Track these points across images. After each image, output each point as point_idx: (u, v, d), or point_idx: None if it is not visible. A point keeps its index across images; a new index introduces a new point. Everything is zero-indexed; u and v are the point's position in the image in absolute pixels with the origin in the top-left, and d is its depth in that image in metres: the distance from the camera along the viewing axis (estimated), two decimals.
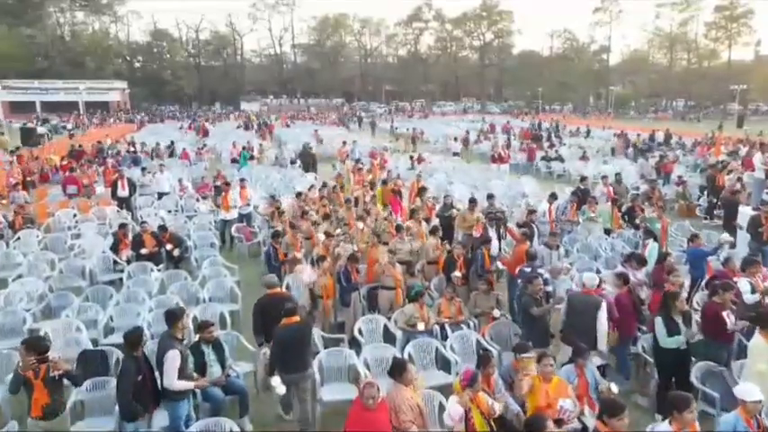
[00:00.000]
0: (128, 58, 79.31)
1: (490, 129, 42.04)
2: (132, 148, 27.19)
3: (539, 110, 71.73)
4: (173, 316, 6.30)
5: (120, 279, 10.45)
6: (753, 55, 77.03)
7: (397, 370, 5.55)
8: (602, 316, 6.99)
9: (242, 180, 14.72)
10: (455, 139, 29.66)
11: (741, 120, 45.55)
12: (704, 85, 73.28)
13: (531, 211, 11.13)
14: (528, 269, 8.12)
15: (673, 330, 6.48)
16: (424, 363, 7.41)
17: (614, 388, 6.10)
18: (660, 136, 33.23)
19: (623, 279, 7.51)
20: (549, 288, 7.90)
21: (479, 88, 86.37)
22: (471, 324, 8.28)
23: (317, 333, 7.69)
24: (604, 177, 15.45)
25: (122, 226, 11.82)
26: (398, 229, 10.30)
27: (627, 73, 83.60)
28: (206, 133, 37.66)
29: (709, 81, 72.29)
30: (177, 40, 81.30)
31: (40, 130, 42.61)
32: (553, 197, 12.62)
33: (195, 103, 76.91)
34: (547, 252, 9.20)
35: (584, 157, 26.01)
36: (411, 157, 24.78)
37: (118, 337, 8.11)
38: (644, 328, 7.71)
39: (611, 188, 14.98)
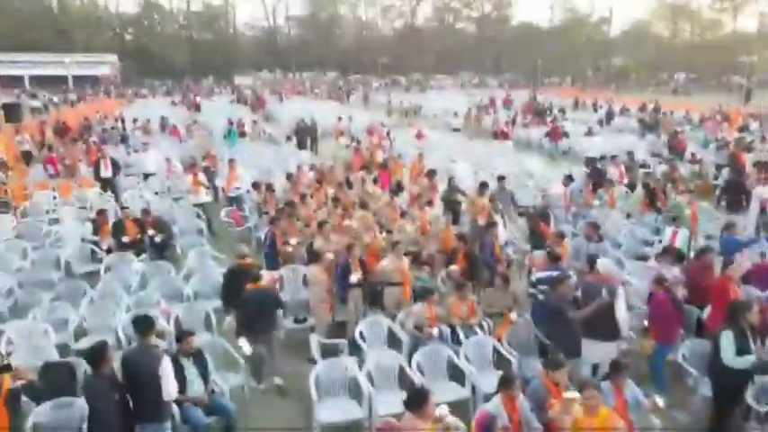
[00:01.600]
0: (117, 31, 77.10)
1: (490, 103, 40.82)
2: (121, 125, 26.08)
3: (537, 83, 70.31)
4: (143, 322, 5.42)
5: (100, 270, 9.55)
6: (757, 25, 75.45)
7: (417, 402, 4.65)
8: (621, 304, 6.41)
9: (231, 161, 13.71)
10: (455, 114, 28.52)
11: (749, 93, 44.14)
12: (706, 56, 71.81)
13: (545, 195, 10.19)
14: (548, 273, 7.20)
15: (743, 348, 5.54)
16: (435, 373, 6.57)
17: (660, 402, 5.28)
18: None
19: (659, 282, 6.63)
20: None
21: (477, 61, 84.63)
22: (486, 326, 7.43)
23: (313, 340, 6.83)
24: (614, 157, 14.45)
25: (101, 212, 10.89)
26: (402, 215, 9.34)
27: (628, 45, 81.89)
28: (197, 108, 36.38)
29: (712, 53, 70.83)
30: (168, 11, 79.10)
31: (35, 103, 41.39)
32: (569, 179, 11.66)
33: (187, 77, 75.09)
34: (584, 245, 8.27)
35: (589, 133, 25.04)
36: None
37: (92, 341, 7.30)
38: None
39: (623, 168, 14.05)
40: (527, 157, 19.89)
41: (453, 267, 8.38)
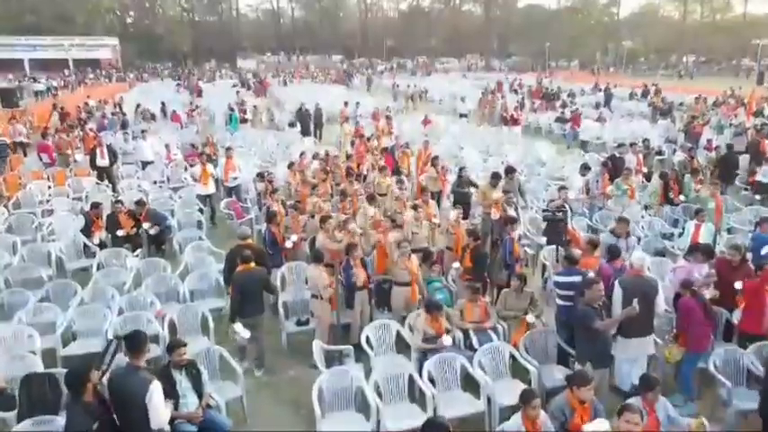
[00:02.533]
0: (118, 13, 76.08)
1: (498, 87, 39.97)
2: (121, 110, 25.45)
3: (545, 66, 69.20)
4: (136, 339, 4.94)
5: (98, 265, 9.08)
6: None
7: None
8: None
9: (228, 149, 13.11)
10: (462, 99, 27.81)
11: (761, 76, 43.26)
12: (717, 39, 70.46)
13: (562, 188, 9.61)
14: (569, 276, 6.64)
15: None
16: (447, 383, 6.09)
17: (708, 426, 4.81)
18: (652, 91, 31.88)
19: (686, 286, 6.11)
20: None
21: (483, 44, 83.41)
22: (501, 329, 6.94)
23: (317, 346, 6.35)
24: (633, 144, 13.81)
25: (95, 205, 10.37)
26: (415, 208, 8.79)
27: (637, 27, 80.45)
28: (199, 93, 35.72)
29: (723, 35, 69.50)
30: None
31: (38, 86, 40.88)
32: (585, 169, 11.07)
33: (190, 60, 74.23)
34: (613, 241, 7.73)
35: (600, 119, 24.34)
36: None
37: (81, 346, 6.91)
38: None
39: (640, 156, 13.43)
40: (537, 144, 19.19)
41: (456, 265, 7.95)
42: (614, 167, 11.99)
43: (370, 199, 9.55)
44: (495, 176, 10.00)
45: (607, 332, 5.67)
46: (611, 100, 31.90)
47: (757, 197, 13.16)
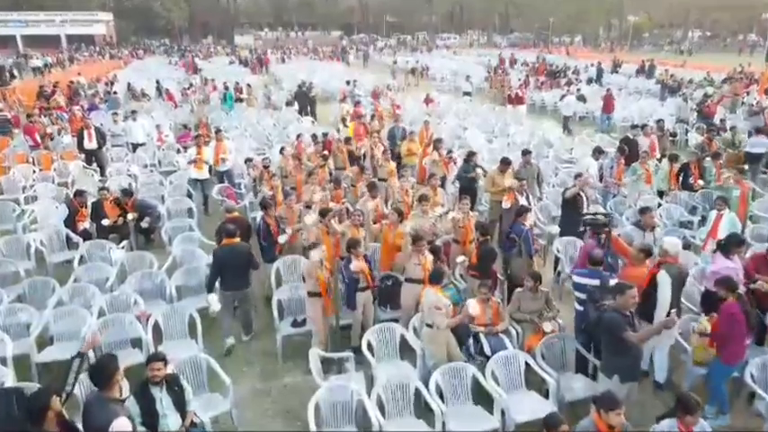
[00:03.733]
0: None
1: (500, 63, 38.98)
2: (114, 89, 24.67)
3: (548, 42, 67.91)
4: (103, 373, 4.35)
5: (80, 258, 8.49)
6: None
7: None
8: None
9: (218, 131, 12.36)
10: (467, 77, 26.95)
11: None
12: (724, 14, 69.09)
13: (578, 175, 8.96)
14: (590, 279, 6.04)
15: None
16: (457, 395, 5.54)
17: None
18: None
19: (727, 287, 5.50)
20: None
21: (485, 20, 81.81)
22: (514, 333, 6.38)
23: (313, 355, 5.79)
24: (645, 126, 13.09)
25: (79, 193, 9.75)
26: (422, 199, 8.08)
27: (642, 1, 78.79)
28: (195, 70, 34.77)
29: (730, 10, 68.11)
30: None
31: (36, 62, 40.00)
32: (599, 153, 10.39)
33: (186, 36, 72.87)
34: (638, 235, 7.09)
35: (608, 97, 23.50)
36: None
37: (57, 351, 6.35)
38: None
39: (654, 138, 12.73)
40: (544, 124, 18.47)
41: (461, 258, 7.40)
42: (629, 152, 11.32)
43: (371, 188, 8.82)
44: (505, 162, 9.34)
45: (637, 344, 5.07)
46: (603, 76, 31.33)
47: None
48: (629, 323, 5.05)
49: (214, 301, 6.70)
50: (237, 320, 7.26)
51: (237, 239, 7.03)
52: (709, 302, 6.46)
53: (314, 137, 13.20)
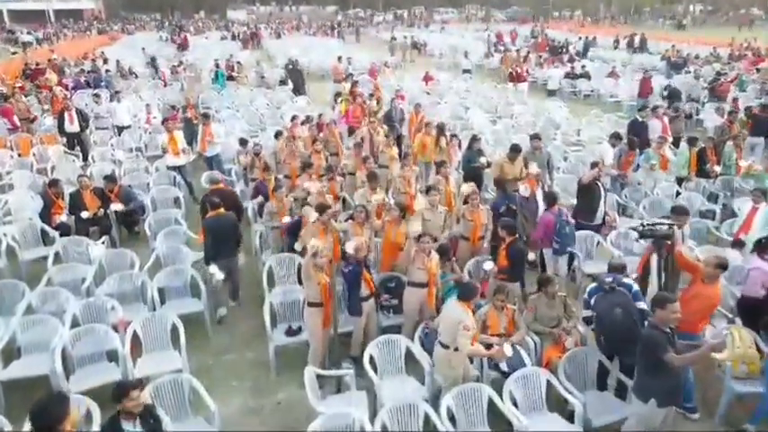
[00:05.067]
0: None
1: (498, 39, 37.91)
2: (106, 66, 23.66)
3: (547, 16, 66.58)
4: (46, 420, 3.62)
5: (55, 255, 7.81)
6: None
7: None
8: None
9: (205, 116, 11.52)
10: (465, 53, 26.02)
11: None
12: None
13: (595, 164, 8.25)
14: (611, 285, 5.33)
15: None
16: (472, 419, 4.93)
17: None
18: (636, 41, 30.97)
19: None
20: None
21: None
22: (532, 344, 5.76)
23: (308, 374, 5.16)
24: (656, 108, 12.34)
25: (53, 182, 9.03)
26: (429, 189, 7.36)
27: None
28: (185, 46, 33.63)
29: None
30: None
31: (26, 37, 38.91)
32: (616, 138, 9.64)
33: (177, 12, 71.13)
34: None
35: (612, 74, 22.77)
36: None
37: (25, 366, 5.73)
38: None
39: (665, 121, 12.00)
40: (550, 104, 17.69)
41: (489, 266, 6.59)
42: (636, 135, 10.59)
43: (371, 178, 8.06)
44: (515, 149, 8.63)
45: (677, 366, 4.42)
46: (589, 50, 30.60)
47: None
48: (670, 341, 4.43)
49: (216, 271, 6.75)
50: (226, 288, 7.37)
51: (222, 210, 7.11)
52: (747, 309, 5.89)
53: (307, 119, 12.39)
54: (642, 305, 5.26)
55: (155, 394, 4.84)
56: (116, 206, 8.88)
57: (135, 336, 5.90)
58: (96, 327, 5.86)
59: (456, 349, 5.05)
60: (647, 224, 5.73)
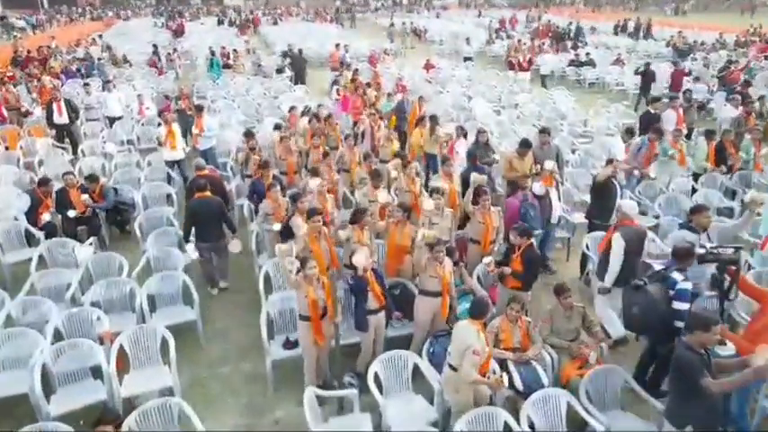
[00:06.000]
0: None
1: (500, 25, 37.21)
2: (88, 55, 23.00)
3: (549, 3, 65.59)
4: None
5: (39, 258, 7.37)
6: None
7: None
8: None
9: (198, 108, 10.98)
10: (468, 40, 25.42)
11: None
12: None
13: (610, 161, 7.79)
14: (639, 282, 4.95)
15: None
16: None
17: None
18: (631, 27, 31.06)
19: None
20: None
21: None
22: (549, 360, 5.35)
23: (308, 396, 4.75)
24: (674, 98, 11.84)
25: (43, 181, 8.55)
26: (434, 192, 6.87)
27: None
28: (181, 32, 32.88)
29: None
30: None
31: (20, 23, 38.18)
32: (629, 134, 9.17)
33: None
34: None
35: (618, 61, 22.23)
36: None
37: (3, 384, 5.32)
38: None
39: (680, 111, 11.52)
40: (555, 93, 17.16)
41: (488, 259, 6.21)
42: (648, 126, 10.08)
43: (374, 176, 7.55)
44: (525, 144, 8.16)
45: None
46: (581, 34, 30.11)
47: None
48: (706, 364, 4.02)
49: (191, 251, 7.00)
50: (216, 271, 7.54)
51: (208, 193, 7.21)
52: None
53: (306, 110, 11.87)
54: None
55: (140, 420, 4.44)
56: (98, 205, 8.41)
57: (122, 350, 5.50)
58: (80, 341, 5.43)
59: None
60: (711, 248, 5.27)
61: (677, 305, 4.89)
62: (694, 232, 5.98)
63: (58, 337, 5.71)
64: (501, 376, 4.67)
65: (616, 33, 33.90)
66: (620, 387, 5.03)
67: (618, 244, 5.74)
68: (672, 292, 4.91)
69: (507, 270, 5.99)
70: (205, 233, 7.11)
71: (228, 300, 7.44)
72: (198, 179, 7.51)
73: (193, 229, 7.17)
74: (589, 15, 47.14)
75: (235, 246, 7.23)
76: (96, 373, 5.39)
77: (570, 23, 33.58)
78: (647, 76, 16.22)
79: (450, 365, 4.78)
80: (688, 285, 4.91)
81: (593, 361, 5.13)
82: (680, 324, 4.72)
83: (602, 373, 5.00)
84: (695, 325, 4.01)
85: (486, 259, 6.29)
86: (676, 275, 4.93)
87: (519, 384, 5.05)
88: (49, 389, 5.20)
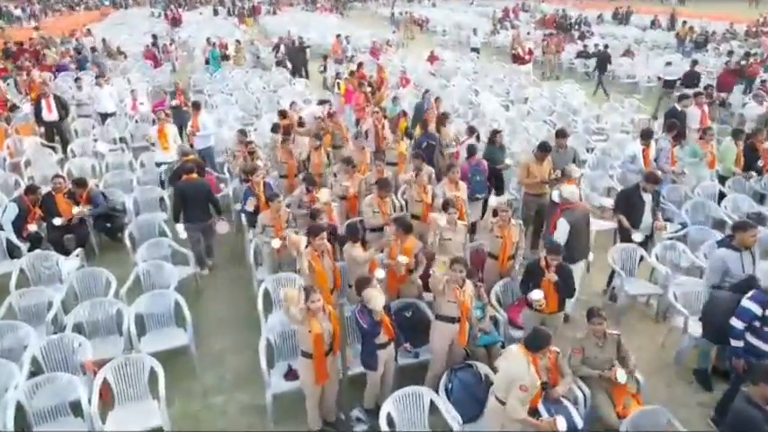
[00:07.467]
0: None
1: (505, 15, 36.37)
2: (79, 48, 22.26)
3: None
4: None
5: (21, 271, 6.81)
6: None
7: None
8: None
9: (195, 105, 10.34)
10: (474, 31, 24.68)
11: None
12: None
13: (649, 177, 7.16)
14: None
15: None
16: None
17: None
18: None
19: None
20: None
21: None
22: (581, 397, 4.80)
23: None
24: (699, 95, 11.18)
25: (32, 189, 7.92)
26: (447, 205, 6.18)
27: None
28: (177, 22, 32.12)
29: None
30: None
31: (17, 12, 37.49)
32: (647, 136, 8.55)
33: None
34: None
35: (628, 53, 21.55)
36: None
37: None
38: None
39: (705, 108, 10.88)
40: (565, 87, 16.52)
41: (537, 295, 5.36)
42: (672, 124, 9.46)
43: (383, 186, 6.83)
44: (544, 148, 7.55)
45: None
46: (586, 24, 29.72)
47: None
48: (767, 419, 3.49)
49: (181, 230, 7.28)
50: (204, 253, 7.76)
51: (195, 175, 7.47)
52: None
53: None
54: (736, 323, 4.75)
55: None
56: (79, 209, 7.81)
57: (106, 382, 4.96)
58: (58, 376, 4.88)
59: None
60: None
61: (734, 322, 4.76)
62: (734, 250, 5.40)
63: (35, 364, 5.17)
64: (555, 419, 4.15)
65: (620, 23, 33.15)
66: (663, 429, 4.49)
67: (563, 226, 6.06)
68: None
69: (539, 294, 5.36)
70: (193, 215, 7.30)
71: (224, 318, 6.89)
72: (185, 164, 7.75)
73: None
74: (598, 5, 46.26)
75: (222, 227, 7.52)
76: (77, 409, 4.86)
77: (580, 14, 32.84)
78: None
79: (497, 397, 4.26)
80: (753, 307, 4.65)
81: (622, 380, 4.64)
82: (734, 342, 4.73)
83: (651, 413, 4.44)
84: (761, 377, 3.47)
85: (536, 295, 5.36)
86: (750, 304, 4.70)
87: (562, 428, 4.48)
88: (23, 429, 4.67)
